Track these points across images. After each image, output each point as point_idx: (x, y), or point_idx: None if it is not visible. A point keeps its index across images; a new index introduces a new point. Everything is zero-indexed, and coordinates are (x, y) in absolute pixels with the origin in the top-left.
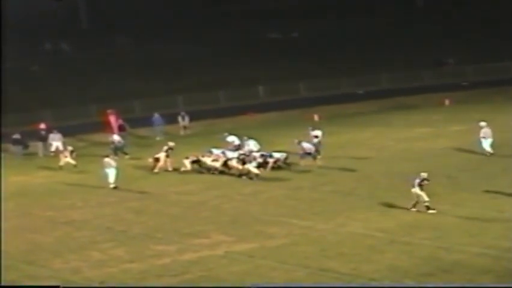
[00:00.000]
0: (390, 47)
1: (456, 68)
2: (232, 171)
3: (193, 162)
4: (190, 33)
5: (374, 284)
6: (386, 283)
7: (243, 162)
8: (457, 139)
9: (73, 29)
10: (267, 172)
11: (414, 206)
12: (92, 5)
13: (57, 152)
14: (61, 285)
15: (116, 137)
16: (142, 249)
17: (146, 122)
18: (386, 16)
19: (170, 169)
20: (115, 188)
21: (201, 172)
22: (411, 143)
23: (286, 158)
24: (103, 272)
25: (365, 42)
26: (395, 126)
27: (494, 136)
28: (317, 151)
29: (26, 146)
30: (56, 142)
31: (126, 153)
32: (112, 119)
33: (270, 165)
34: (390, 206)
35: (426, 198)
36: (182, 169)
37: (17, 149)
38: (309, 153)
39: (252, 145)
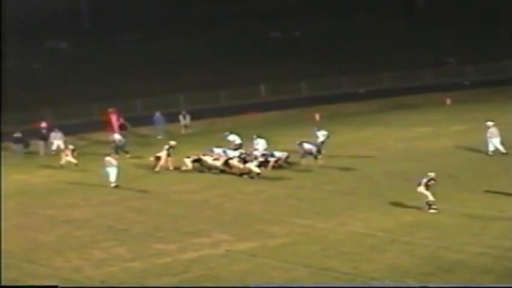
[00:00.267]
0: (391, 46)
1: (457, 67)
2: (233, 170)
3: (194, 161)
4: (192, 33)
5: (374, 283)
6: (387, 282)
7: (244, 161)
8: (457, 139)
9: (75, 28)
10: (268, 171)
11: (429, 206)
12: (93, 4)
13: (58, 151)
14: (62, 284)
15: (117, 136)
16: (143, 248)
17: (148, 120)
18: (387, 15)
19: (171, 168)
20: (116, 186)
21: (201, 171)
22: (411, 142)
23: (287, 157)
24: (103, 271)
25: (365, 42)
26: (396, 125)
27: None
28: (319, 151)
29: (27, 145)
30: (57, 141)
31: (127, 152)
32: (113, 117)
33: (271, 164)
34: (391, 205)
35: (431, 198)
36: (184, 168)
37: (18, 147)
38: (310, 153)
39: (261, 144)
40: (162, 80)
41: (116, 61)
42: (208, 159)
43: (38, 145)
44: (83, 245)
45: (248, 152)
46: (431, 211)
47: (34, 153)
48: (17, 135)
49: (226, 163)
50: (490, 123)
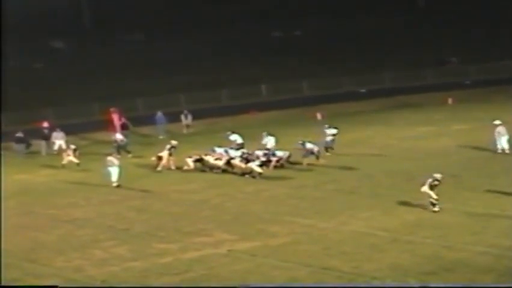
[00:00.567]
0: (392, 46)
1: (458, 67)
2: (235, 170)
3: (196, 161)
4: (193, 32)
5: (376, 282)
6: (388, 282)
7: (246, 161)
8: (459, 138)
9: (75, 28)
10: (269, 171)
11: (433, 205)
12: (94, 4)
13: (60, 151)
14: (63, 284)
15: (118, 136)
16: (144, 248)
17: (149, 120)
18: (389, 15)
19: (173, 168)
20: (117, 186)
21: (203, 171)
22: (413, 141)
23: (289, 157)
24: (105, 271)
25: (366, 41)
26: (398, 125)
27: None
28: (331, 148)
29: (28, 145)
30: (58, 140)
31: (129, 152)
32: (115, 117)
33: (273, 163)
34: (393, 204)
35: (434, 197)
36: (185, 168)
37: (19, 147)
38: (312, 153)
39: (271, 141)
40: (163, 80)
41: (117, 61)
42: (210, 159)
43: (40, 145)
44: (84, 244)
45: (250, 152)
46: (435, 209)
47: (36, 153)
48: (19, 135)
49: (228, 163)
50: (497, 122)
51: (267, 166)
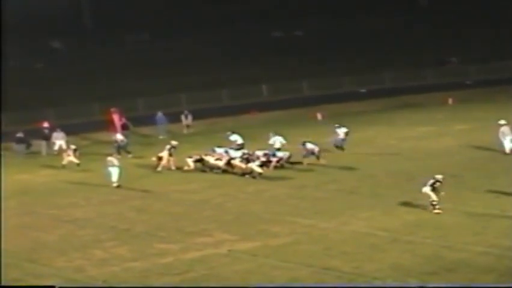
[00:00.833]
0: (393, 45)
1: (459, 67)
2: (235, 170)
3: (197, 161)
4: (193, 32)
5: (376, 283)
6: (389, 282)
7: (247, 161)
8: (460, 138)
9: (76, 28)
10: (270, 171)
11: (433, 206)
12: (94, 4)
13: (60, 151)
14: (64, 284)
15: (119, 136)
16: (145, 248)
17: (150, 120)
18: (389, 15)
19: (173, 168)
20: (118, 186)
21: (203, 171)
22: (414, 141)
23: (289, 157)
24: (105, 271)
25: (367, 41)
26: (398, 125)
27: (496, 135)
28: (341, 148)
29: (29, 145)
30: (59, 141)
31: (129, 152)
32: (115, 117)
33: (273, 164)
34: (393, 205)
35: (434, 198)
36: (186, 168)
37: (20, 147)
38: (313, 153)
39: (278, 141)
40: (163, 80)
41: (117, 61)
42: (210, 159)
43: (40, 145)
44: (85, 244)
45: (250, 152)
46: (435, 211)
47: (36, 153)
48: (19, 135)
49: (228, 163)
50: (502, 122)
51: (267, 166)
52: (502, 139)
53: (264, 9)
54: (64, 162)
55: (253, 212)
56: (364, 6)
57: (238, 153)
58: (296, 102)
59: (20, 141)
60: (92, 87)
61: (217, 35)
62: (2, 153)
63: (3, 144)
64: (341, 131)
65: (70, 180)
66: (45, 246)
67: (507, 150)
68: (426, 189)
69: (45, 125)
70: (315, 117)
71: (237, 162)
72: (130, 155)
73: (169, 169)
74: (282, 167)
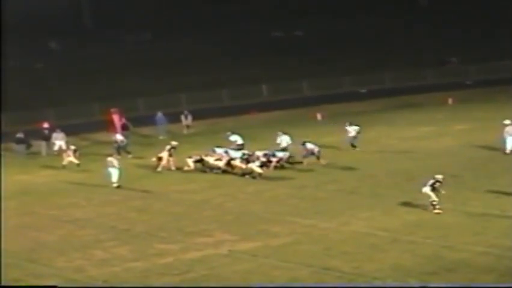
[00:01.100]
0: (393, 45)
1: (459, 67)
2: (235, 171)
3: (197, 161)
4: (193, 32)
5: (376, 283)
6: (389, 282)
7: (247, 162)
8: (460, 138)
9: (76, 28)
10: (270, 171)
11: (434, 206)
12: (94, 4)
13: (60, 151)
14: (64, 284)
15: (119, 136)
16: (145, 248)
17: (150, 120)
18: (389, 15)
19: (173, 168)
20: (118, 187)
21: (203, 171)
22: (414, 141)
23: (289, 157)
24: (106, 271)
25: (367, 41)
26: (398, 125)
27: (497, 135)
28: (353, 146)
29: (29, 145)
30: (59, 141)
31: (129, 152)
32: (115, 117)
33: (273, 164)
34: (394, 205)
35: (435, 198)
36: (186, 168)
37: (20, 148)
38: (313, 153)
39: (285, 141)
40: (163, 80)
41: (117, 61)
42: (210, 160)
43: (40, 145)
44: (85, 244)
45: (250, 153)
46: (436, 211)
47: (36, 154)
48: (19, 135)
49: (228, 163)
50: (507, 122)
51: (267, 167)
52: (506, 138)
53: (264, 9)
54: (64, 162)
55: (253, 212)
56: (364, 6)
57: (238, 154)
58: (296, 102)
59: (20, 141)
60: (92, 87)
61: (217, 35)
62: (2, 153)
63: (3, 145)
64: (352, 129)
65: (70, 180)
66: (46, 246)
67: (508, 150)
68: (426, 189)
69: (45, 125)
70: (315, 117)
71: (237, 162)
72: (130, 156)
73: (169, 169)
74: (282, 167)
